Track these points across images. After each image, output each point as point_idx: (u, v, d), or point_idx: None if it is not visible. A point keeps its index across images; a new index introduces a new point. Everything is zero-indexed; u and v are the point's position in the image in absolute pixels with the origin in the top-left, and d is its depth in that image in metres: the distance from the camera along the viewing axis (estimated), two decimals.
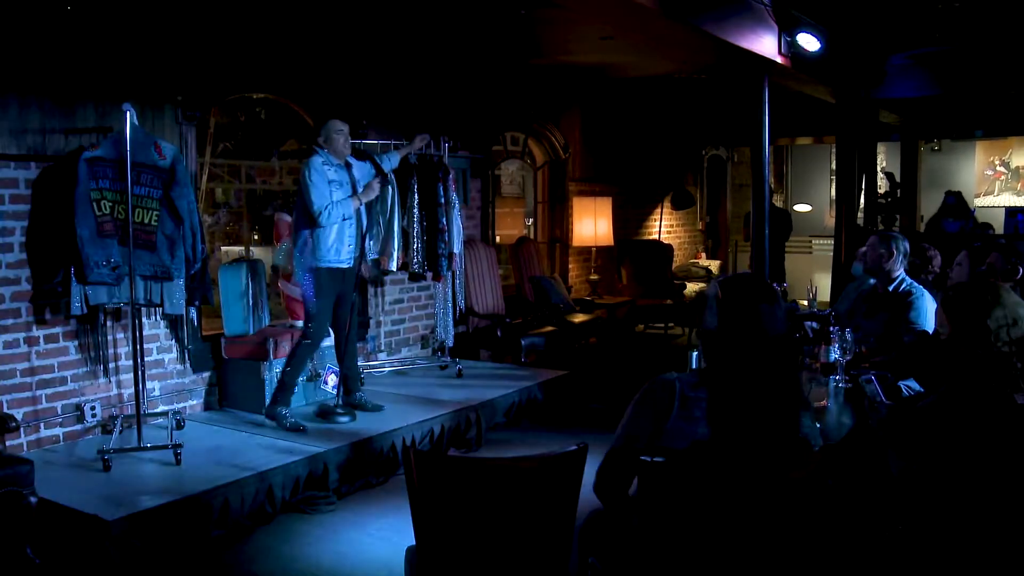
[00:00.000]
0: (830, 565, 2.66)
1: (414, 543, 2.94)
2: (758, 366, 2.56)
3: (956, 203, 11.18)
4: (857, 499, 3.04)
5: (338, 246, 5.75)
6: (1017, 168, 13.44)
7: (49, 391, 5.39)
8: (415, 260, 6.98)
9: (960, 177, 13.54)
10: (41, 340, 5.36)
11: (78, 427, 5.54)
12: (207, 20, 5.98)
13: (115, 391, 5.73)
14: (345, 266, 5.82)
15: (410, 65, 7.73)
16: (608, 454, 2.76)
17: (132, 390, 5.41)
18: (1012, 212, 10.85)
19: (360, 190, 5.83)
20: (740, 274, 2.90)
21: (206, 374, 6.28)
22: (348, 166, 5.86)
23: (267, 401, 5.94)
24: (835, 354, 4.23)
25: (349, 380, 6.15)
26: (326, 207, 5.59)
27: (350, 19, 6.32)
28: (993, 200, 13.37)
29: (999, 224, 11.43)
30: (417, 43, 7.21)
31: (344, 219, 5.70)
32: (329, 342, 6.24)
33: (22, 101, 5.20)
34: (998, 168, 13.56)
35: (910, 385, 3.88)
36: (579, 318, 9.04)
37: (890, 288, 5.05)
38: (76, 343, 5.53)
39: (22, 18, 5.14)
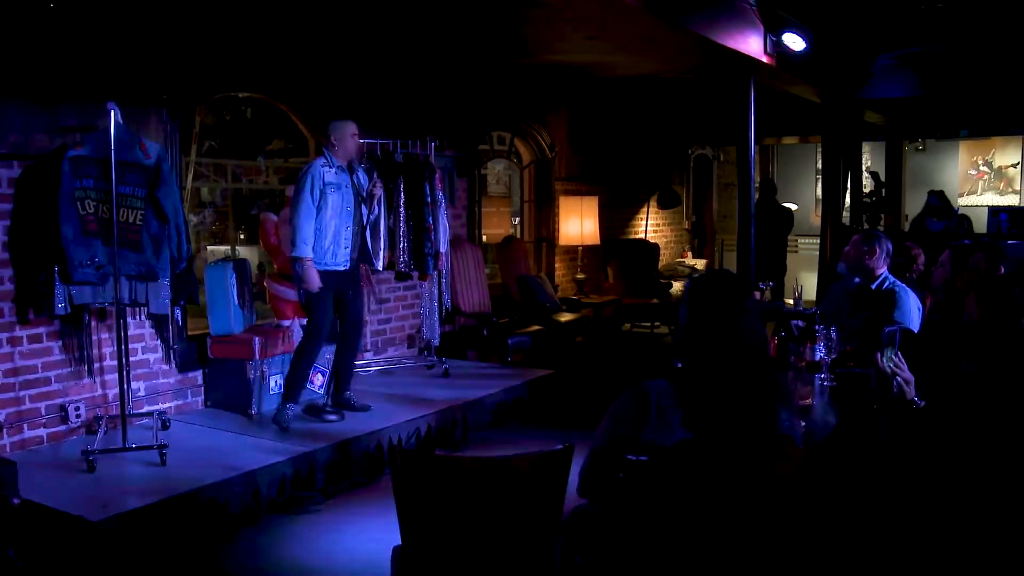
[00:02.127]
0: (813, 562, 2.68)
1: (400, 543, 2.94)
2: (727, 361, 2.57)
3: (939, 203, 11.24)
4: (843, 496, 3.05)
5: (334, 249, 5.77)
6: (1000, 168, 13.53)
7: (33, 391, 5.36)
8: (401, 259, 6.97)
9: (944, 177, 13.62)
10: (24, 340, 5.32)
11: (62, 428, 5.50)
12: (193, 18, 5.95)
13: (100, 391, 5.70)
14: (341, 268, 5.83)
15: (397, 64, 7.72)
16: (591, 457, 2.76)
17: (117, 390, 5.38)
18: (995, 211, 10.91)
19: (364, 194, 5.94)
20: (712, 271, 2.93)
21: (192, 374, 6.25)
22: (351, 170, 5.90)
23: (253, 400, 5.95)
24: (820, 352, 4.25)
25: (341, 379, 6.13)
26: (303, 238, 5.60)
27: (337, 18, 6.31)
28: (976, 199, 13.45)
29: (982, 223, 11.50)
30: (404, 42, 7.20)
31: (337, 228, 5.74)
32: None
33: (4, 100, 5.16)
34: (981, 168, 13.64)
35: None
36: (565, 317, 9.05)
37: (873, 286, 5.08)
38: (60, 343, 5.49)
39: (3, 16, 5.11)
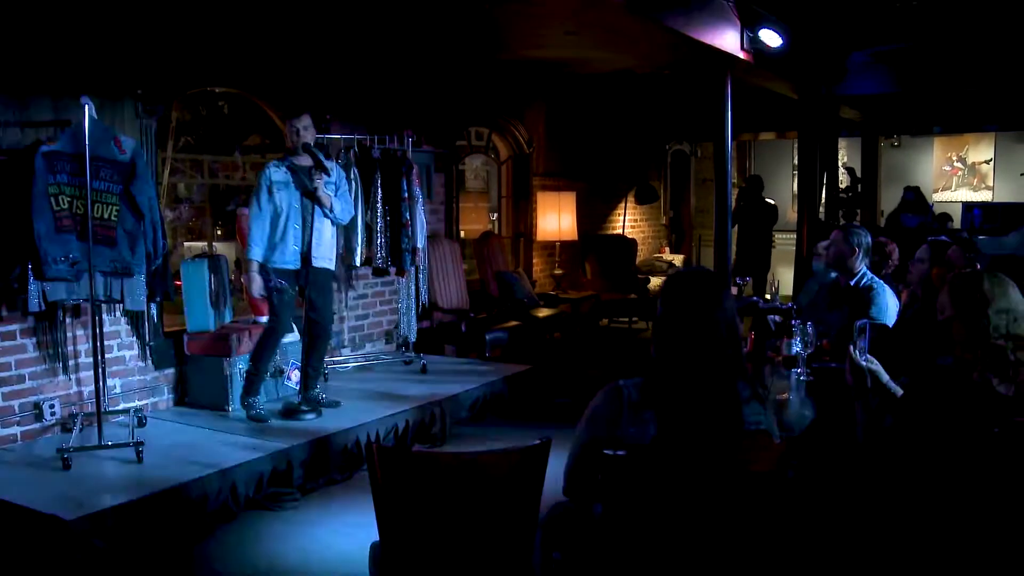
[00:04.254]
0: (792, 556, 2.69)
1: (378, 539, 2.94)
2: (699, 356, 2.59)
3: (915, 199, 11.35)
4: (819, 491, 3.08)
5: (282, 247, 5.67)
6: (973, 164, 13.66)
7: (6, 389, 5.31)
8: (379, 255, 6.95)
9: (919, 173, 13.74)
10: None
11: (36, 426, 5.45)
12: (168, 11, 5.91)
13: (75, 389, 5.65)
14: (290, 268, 5.72)
15: (374, 59, 7.70)
16: (571, 458, 2.77)
17: (92, 387, 5.34)
18: (968, 207, 11.02)
19: (322, 190, 5.67)
20: (688, 268, 2.94)
21: (168, 371, 6.21)
22: (311, 167, 5.66)
23: (230, 397, 5.94)
24: (797, 347, 4.27)
25: (306, 378, 6.07)
26: (250, 234, 5.65)
27: (314, 12, 6.28)
28: (951, 195, 13.58)
29: (956, 219, 11.61)
30: (381, 37, 7.18)
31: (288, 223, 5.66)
32: (293, 338, 6.21)
33: None
34: (955, 164, 13.77)
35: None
36: (543, 313, 9.06)
37: (851, 283, 5.09)
38: (34, 340, 5.44)
39: None
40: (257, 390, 5.84)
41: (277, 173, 5.68)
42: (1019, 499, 2.58)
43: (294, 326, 6.16)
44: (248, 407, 5.79)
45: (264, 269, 5.70)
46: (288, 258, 5.70)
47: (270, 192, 5.64)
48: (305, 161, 5.72)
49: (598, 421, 2.71)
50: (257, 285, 5.70)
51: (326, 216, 5.79)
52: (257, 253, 5.66)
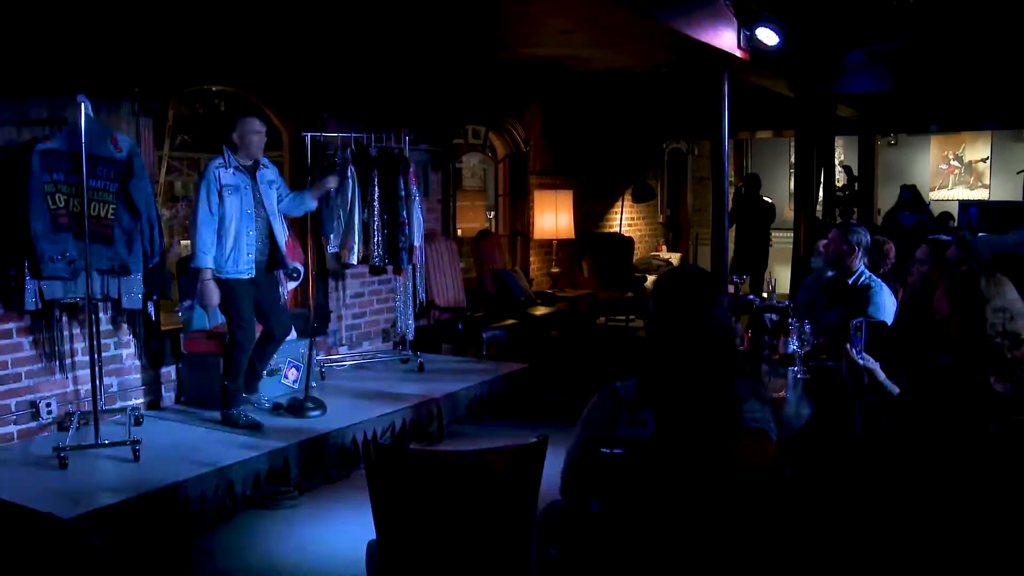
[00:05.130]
0: (788, 554, 2.70)
1: (375, 537, 2.94)
2: (691, 354, 2.59)
3: (911, 197, 11.36)
4: (816, 489, 3.08)
5: (235, 256, 5.43)
6: (970, 162, 13.68)
7: (2, 388, 5.30)
8: (376, 253, 6.94)
9: (915, 171, 13.76)
10: None
11: (33, 424, 5.45)
12: (164, 9, 5.90)
13: (71, 387, 5.64)
14: (245, 277, 5.48)
15: (371, 57, 7.69)
16: (569, 460, 2.77)
17: (89, 386, 5.34)
18: (965, 205, 11.03)
19: (265, 193, 5.53)
20: (680, 267, 2.96)
21: (165, 369, 6.21)
22: (256, 167, 5.54)
23: None
24: (794, 345, 4.28)
25: (251, 377, 5.86)
26: (201, 247, 5.31)
27: (310, 10, 6.27)
28: (947, 194, 13.61)
29: (953, 218, 11.63)
30: (379, 35, 7.17)
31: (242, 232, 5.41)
32: (291, 336, 6.20)
33: None
34: (952, 162, 13.79)
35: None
36: (540, 311, 9.05)
37: (849, 281, 5.09)
38: (31, 339, 5.43)
39: None
40: (237, 401, 5.65)
41: (227, 176, 5.40)
42: (1016, 497, 2.59)
43: (292, 326, 6.15)
44: (233, 419, 5.58)
45: (214, 277, 5.40)
46: (242, 268, 5.46)
47: (220, 196, 5.35)
48: (248, 162, 5.52)
49: (596, 422, 2.71)
50: (215, 296, 5.39)
51: (277, 219, 5.61)
52: (209, 260, 5.34)
